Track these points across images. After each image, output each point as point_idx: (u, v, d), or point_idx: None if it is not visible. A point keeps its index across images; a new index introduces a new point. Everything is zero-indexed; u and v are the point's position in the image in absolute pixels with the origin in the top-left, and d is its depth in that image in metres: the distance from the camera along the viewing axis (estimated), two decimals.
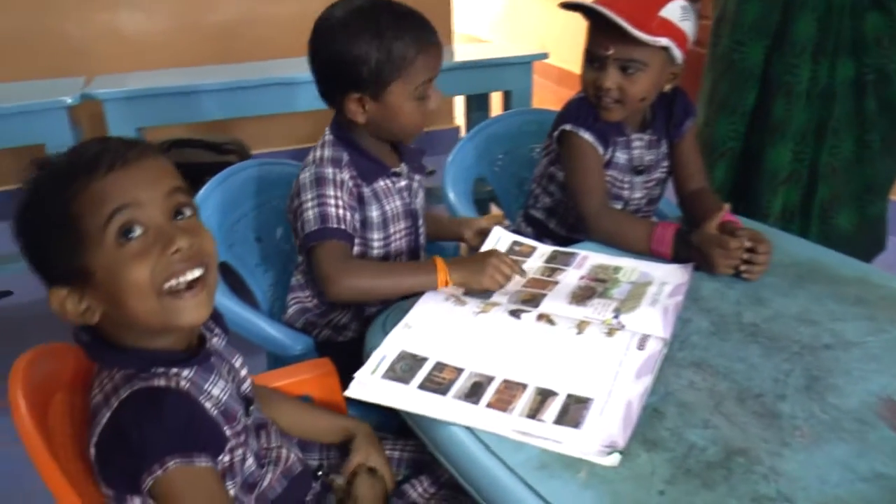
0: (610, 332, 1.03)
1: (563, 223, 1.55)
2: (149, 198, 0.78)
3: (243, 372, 0.94)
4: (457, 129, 4.04)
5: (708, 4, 1.84)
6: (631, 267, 1.24)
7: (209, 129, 3.13)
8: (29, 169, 0.79)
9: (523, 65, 2.73)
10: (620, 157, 1.44)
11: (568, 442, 0.84)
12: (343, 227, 1.19)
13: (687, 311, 1.13)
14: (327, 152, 1.24)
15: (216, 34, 3.32)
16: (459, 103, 3.86)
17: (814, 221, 1.84)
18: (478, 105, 3.03)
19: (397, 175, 1.30)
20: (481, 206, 2.93)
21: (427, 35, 1.19)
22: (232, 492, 0.84)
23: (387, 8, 1.19)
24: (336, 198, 1.20)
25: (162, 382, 0.78)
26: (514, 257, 1.29)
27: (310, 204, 1.19)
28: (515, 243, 1.34)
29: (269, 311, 1.45)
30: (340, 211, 1.19)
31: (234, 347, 0.95)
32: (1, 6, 2.95)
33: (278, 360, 1.28)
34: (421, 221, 1.37)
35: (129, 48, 3.17)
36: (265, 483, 0.93)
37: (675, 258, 1.27)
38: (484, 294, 1.15)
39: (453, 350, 1.01)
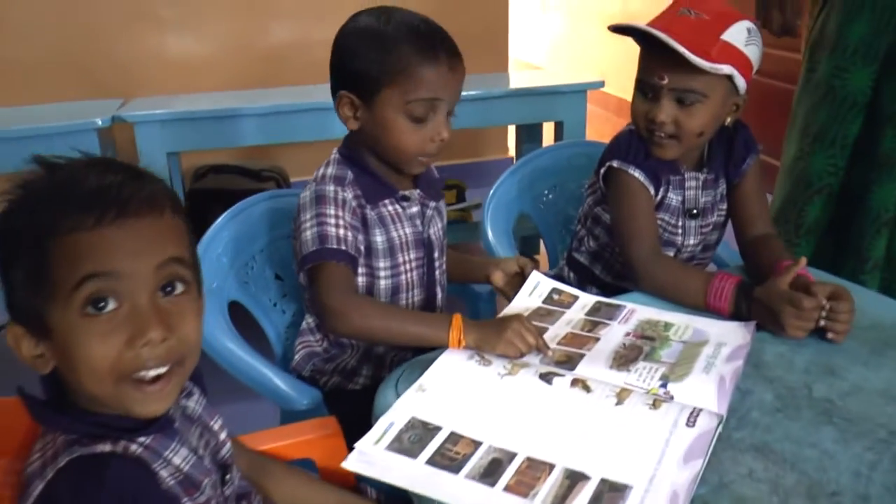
0: (654, 404, 0.88)
1: (609, 269, 1.41)
2: (135, 269, 0.66)
3: (222, 435, 0.82)
4: (510, 159, 3.91)
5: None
6: (684, 323, 1.09)
7: (250, 154, 3.07)
8: (30, 167, 0.68)
9: (577, 93, 2.58)
10: (673, 198, 1.30)
11: None
12: (344, 247, 1.09)
13: (747, 380, 0.98)
14: (331, 170, 1.15)
15: (267, 57, 3.28)
16: (513, 133, 3.74)
17: None
18: (529, 136, 2.90)
19: (406, 199, 1.19)
20: (529, 244, 2.81)
21: (437, 54, 1.08)
22: None
23: (408, 17, 1.11)
24: (337, 217, 1.10)
25: (107, 447, 0.66)
26: (553, 308, 1.16)
27: (308, 223, 1.10)
28: (555, 291, 1.21)
29: (282, 356, 1.34)
30: (341, 231, 1.09)
31: (214, 408, 0.83)
32: (51, 28, 2.96)
33: (290, 412, 1.17)
34: (437, 254, 1.25)
35: (177, 71, 3.15)
36: None
37: (735, 315, 1.11)
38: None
39: (472, 419, 0.87)
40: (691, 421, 0.85)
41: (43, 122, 2.03)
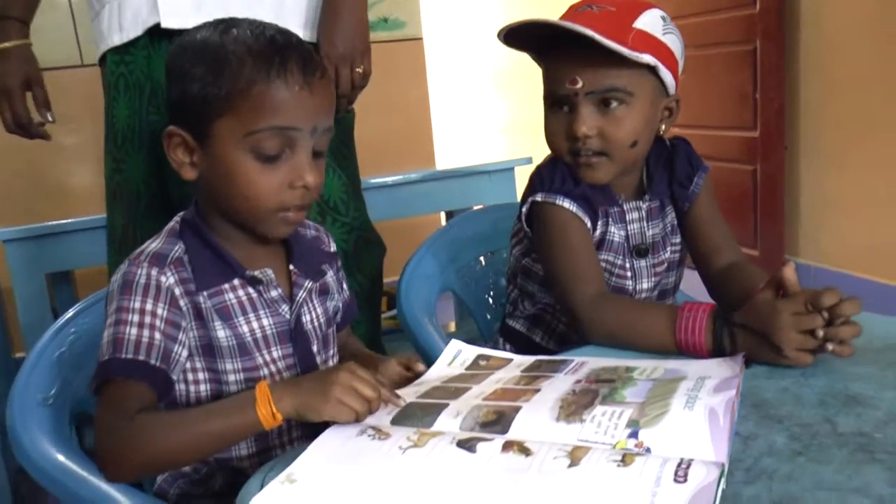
0: (625, 460, 0.60)
1: (552, 334, 1.15)
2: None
3: None
4: None
5: None
6: (651, 365, 0.83)
7: None
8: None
9: (505, 172, 2.42)
10: (615, 233, 1.07)
11: None
12: (142, 357, 0.79)
13: (746, 423, 0.71)
14: (155, 244, 0.86)
15: None
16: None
17: None
18: None
19: (257, 282, 0.89)
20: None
21: (286, 67, 0.81)
22: None
23: (255, 26, 0.84)
24: (142, 312, 0.80)
25: None
26: (479, 372, 0.89)
27: (109, 321, 0.81)
28: (481, 357, 0.94)
29: (151, 481, 1.02)
30: (145, 333, 0.80)
31: None
32: None
33: None
34: (318, 347, 0.95)
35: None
36: None
37: (717, 351, 0.86)
38: (421, 417, 0.73)
39: None
40: (682, 475, 0.57)
41: None
